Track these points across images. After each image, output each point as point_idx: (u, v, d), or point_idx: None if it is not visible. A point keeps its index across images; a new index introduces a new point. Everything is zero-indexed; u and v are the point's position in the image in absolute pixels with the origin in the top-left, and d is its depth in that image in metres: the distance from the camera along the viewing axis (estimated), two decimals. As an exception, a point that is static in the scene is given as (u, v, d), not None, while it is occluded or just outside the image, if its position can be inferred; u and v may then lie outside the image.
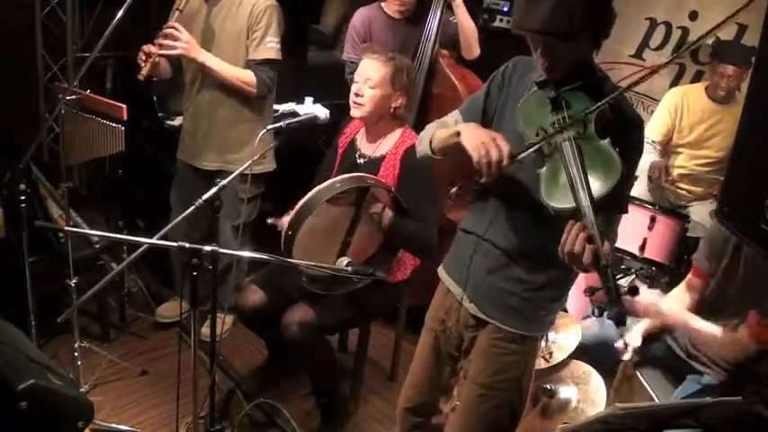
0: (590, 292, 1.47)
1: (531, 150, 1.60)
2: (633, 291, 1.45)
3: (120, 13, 2.25)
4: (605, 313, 1.39)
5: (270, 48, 2.69)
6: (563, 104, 1.59)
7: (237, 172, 2.14)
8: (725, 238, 2.27)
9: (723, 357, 2.19)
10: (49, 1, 3.44)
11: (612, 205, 1.59)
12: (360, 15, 3.24)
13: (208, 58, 2.60)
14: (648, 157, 3.53)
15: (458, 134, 1.68)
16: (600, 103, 1.53)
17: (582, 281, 2.32)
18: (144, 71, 2.48)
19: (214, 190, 1.99)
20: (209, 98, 2.76)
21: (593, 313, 1.62)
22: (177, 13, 2.54)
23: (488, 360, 1.89)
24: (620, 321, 1.40)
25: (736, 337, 2.05)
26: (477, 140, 1.60)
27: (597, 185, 1.45)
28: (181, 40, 2.51)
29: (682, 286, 2.44)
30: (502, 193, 1.79)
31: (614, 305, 1.38)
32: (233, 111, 2.77)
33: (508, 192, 1.78)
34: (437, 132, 1.84)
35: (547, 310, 1.88)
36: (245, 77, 2.66)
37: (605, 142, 1.51)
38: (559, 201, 1.49)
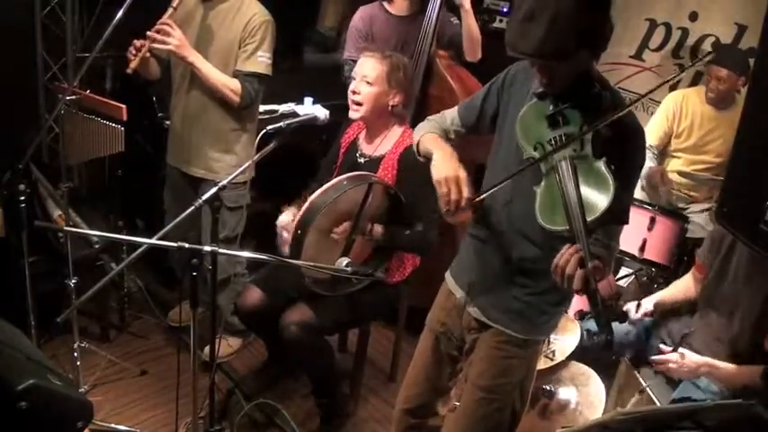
0: (580, 316, 1.48)
1: (489, 192, 1.66)
2: (623, 317, 1.47)
3: (119, 14, 2.25)
4: (594, 337, 1.40)
5: (260, 62, 2.68)
6: (560, 121, 1.59)
7: (237, 173, 2.14)
8: (723, 234, 2.31)
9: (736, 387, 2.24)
10: (49, 1, 3.43)
11: (614, 217, 1.59)
12: (360, 14, 3.21)
13: (197, 60, 2.58)
14: (647, 163, 3.49)
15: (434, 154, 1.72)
16: (595, 126, 1.52)
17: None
18: (132, 64, 2.47)
19: (214, 190, 1.99)
20: (197, 102, 2.73)
21: (582, 336, 1.63)
22: (171, 10, 2.53)
23: (490, 363, 1.89)
24: (605, 347, 1.41)
25: (753, 370, 2.18)
26: (441, 174, 1.65)
27: (590, 209, 1.45)
28: (173, 36, 2.51)
29: (690, 275, 2.59)
30: (504, 201, 1.79)
31: (603, 330, 1.39)
32: (218, 118, 2.75)
33: (510, 199, 1.78)
34: (427, 136, 1.85)
35: (550, 313, 1.88)
36: (232, 85, 2.64)
37: (601, 163, 1.50)
38: (554, 222, 1.50)
